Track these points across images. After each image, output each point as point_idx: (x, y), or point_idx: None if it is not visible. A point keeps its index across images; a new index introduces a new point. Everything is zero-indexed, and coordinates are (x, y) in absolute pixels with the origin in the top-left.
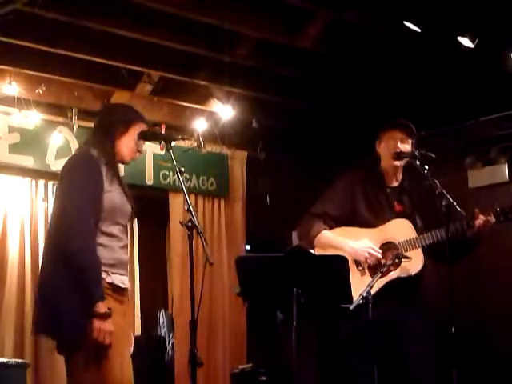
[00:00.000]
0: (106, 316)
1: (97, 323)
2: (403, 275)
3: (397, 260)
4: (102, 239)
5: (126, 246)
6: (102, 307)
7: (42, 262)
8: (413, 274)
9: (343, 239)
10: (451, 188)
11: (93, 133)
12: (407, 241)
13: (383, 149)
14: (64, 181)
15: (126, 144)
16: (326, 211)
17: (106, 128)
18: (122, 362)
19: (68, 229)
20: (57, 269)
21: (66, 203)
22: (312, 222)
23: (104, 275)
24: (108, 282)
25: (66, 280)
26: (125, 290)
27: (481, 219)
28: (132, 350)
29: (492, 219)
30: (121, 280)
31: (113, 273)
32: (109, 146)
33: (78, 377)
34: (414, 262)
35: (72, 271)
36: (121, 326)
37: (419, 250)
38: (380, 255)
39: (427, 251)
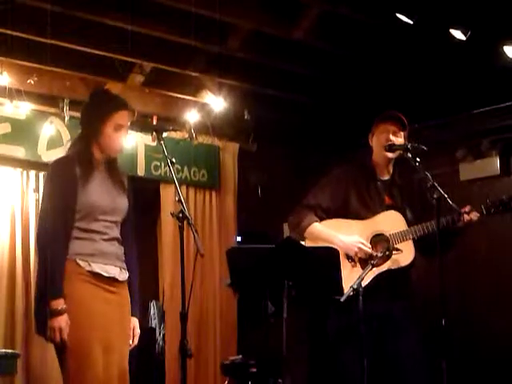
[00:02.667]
0: (56, 313)
1: (49, 321)
2: (394, 267)
3: (387, 252)
4: (80, 234)
5: (113, 239)
6: (53, 305)
7: None
8: (403, 265)
9: (334, 232)
10: (443, 181)
11: (79, 130)
12: (398, 233)
13: (375, 141)
14: (43, 187)
15: (105, 142)
16: (318, 203)
17: (84, 127)
18: (108, 352)
19: (37, 233)
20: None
21: (40, 209)
22: (303, 214)
23: (83, 264)
24: (88, 271)
25: (37, 280)
26: (113, 279)
27: (468, 214)
28: (135, 343)
29: (476, 215)
30: (103, 269)
31: (93, 262)
32: (83, 147)
33: (61, 363)
34: (405, 254)
35: (38, 272)
36: (107, 315)
37: (410, 242)
38: (370, 250)
39: (415, 244)
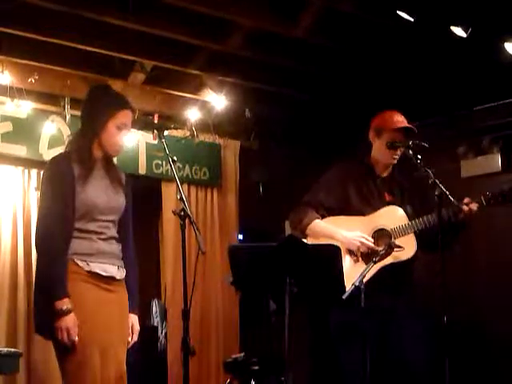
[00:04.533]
0: (62, 314)
1: (55, 322)
2: (396, 261)
3: (389, 250)
4: (78, 234)
5: (111, 238)
6: (58, 305)
7: None
8: (406, 259)
9: (335, 228)
10: (444, 178)
11: (80, 127)
12: (399, 227)
13: (380, 143)
14: (41, 185)
15: (107, 139)
16: (318, 200)
17: (86, 123)
18: (107, 353)
19: (36, 233)
20: (36, 270)
21: (38, 208)
22: (304, 212)
23: (82, 264)
24: (86, 271)
25: (38, 280)
26: (111, 278)
27: (468, 205)
28: (134, 339)
29: (475, 205)
30: (102, 268)
31: (91, 261)
32: (83, 144)
33: (60, 365)
34: (407, 248)
35: (38, 272)
36: (106, 314)
37: (412, 236)
38: (372, 244)
39: (417, 241)
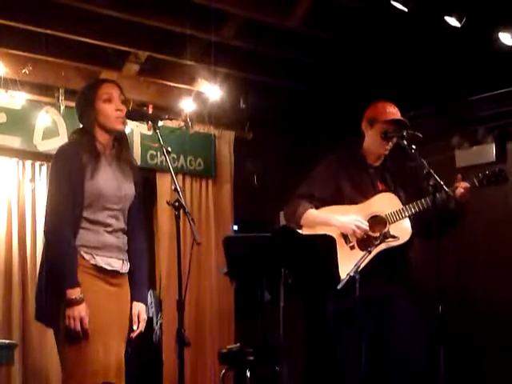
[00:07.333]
0: (74, 303)
1: (67, 310)
2: (392, 245)
3: (383, 239)
4: (86, 225)
5: (117, 230)
6: (70, 294)
7: None
8: (401, 243)
9: (330, 214)
10: (438, 168)
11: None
12: (394, 212)
13: (373, 134)
14: (49, 175)
15: (103, 117)
16: (311, 192)
17: (81, 117)
18: (108, 345)
19: (45, 222)
20: (43, 259)
21: (47, 198)
22: (298, 203)
23: (88, 257)
24: (92, 264)
25: (46, 269)
26: (116, 272)
27: (460, 186)
28: (141, 328)
29: (467, 184)
30: (107, 262)
31: (97, 255)
32: (86, 133)
33: (62, 353)
34: (402, 233)
35: (48, 260)
36: (108, 308)
37: (406, 220)
38: (367, 227)
39: (414, 228)
